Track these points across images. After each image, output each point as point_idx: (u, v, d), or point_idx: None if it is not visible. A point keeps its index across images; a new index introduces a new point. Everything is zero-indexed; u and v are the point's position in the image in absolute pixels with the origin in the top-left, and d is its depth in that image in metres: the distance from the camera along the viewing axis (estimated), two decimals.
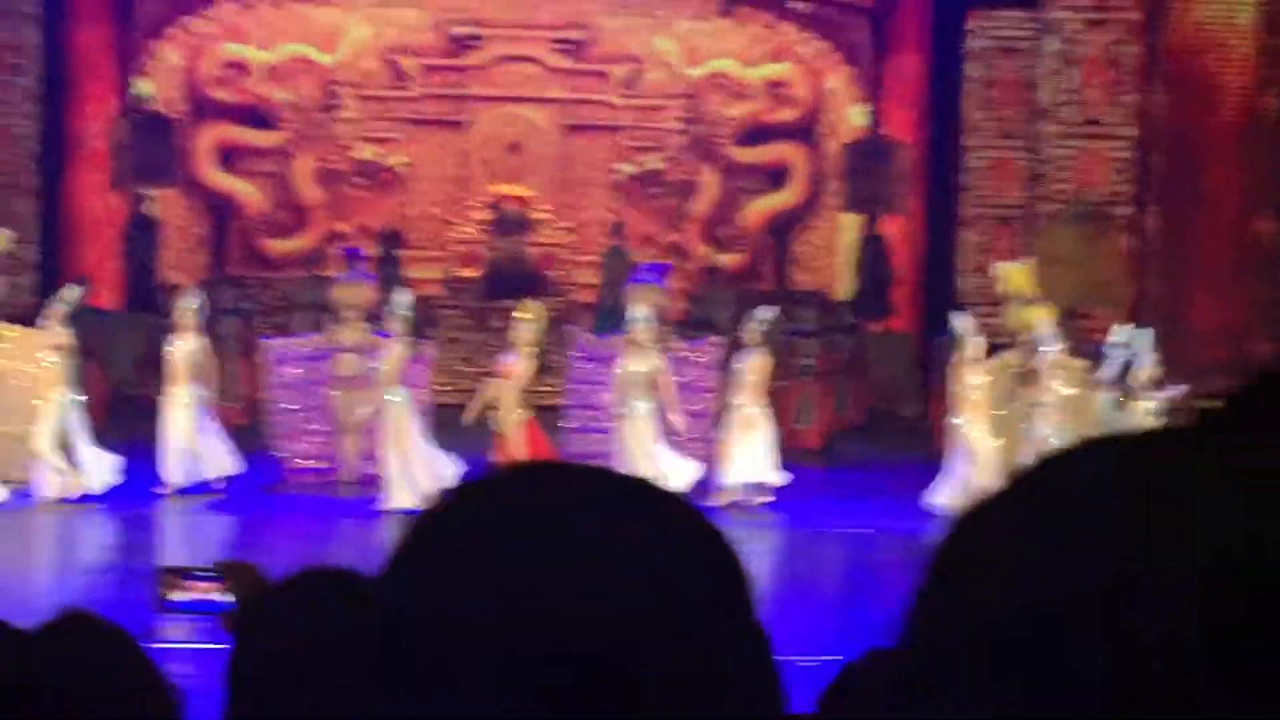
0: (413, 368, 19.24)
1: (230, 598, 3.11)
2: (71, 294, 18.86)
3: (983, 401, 18.57)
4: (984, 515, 1.06)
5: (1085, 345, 19.31)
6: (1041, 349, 18.15)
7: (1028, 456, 17.46)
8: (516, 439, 17.08)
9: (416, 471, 17.96)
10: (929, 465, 20.14)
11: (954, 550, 1.06)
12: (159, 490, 18.34)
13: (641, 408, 18.27)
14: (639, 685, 1.19)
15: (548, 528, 1.22)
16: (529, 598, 1.19)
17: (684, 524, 1.29)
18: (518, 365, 17.49)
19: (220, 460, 18.67)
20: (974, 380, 18.54)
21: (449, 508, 1.28)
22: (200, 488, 18.46)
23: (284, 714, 2.55)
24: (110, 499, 18.03)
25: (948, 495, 18.14)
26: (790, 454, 20.68)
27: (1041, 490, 1.04)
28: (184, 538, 16.81)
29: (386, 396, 18.20)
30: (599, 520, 1.24)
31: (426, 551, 1.27)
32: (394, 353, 18.31)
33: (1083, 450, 1.05)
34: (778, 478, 18.71)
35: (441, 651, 1.21)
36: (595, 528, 1.24)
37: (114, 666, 2.80)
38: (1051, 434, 17.71)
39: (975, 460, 18.30)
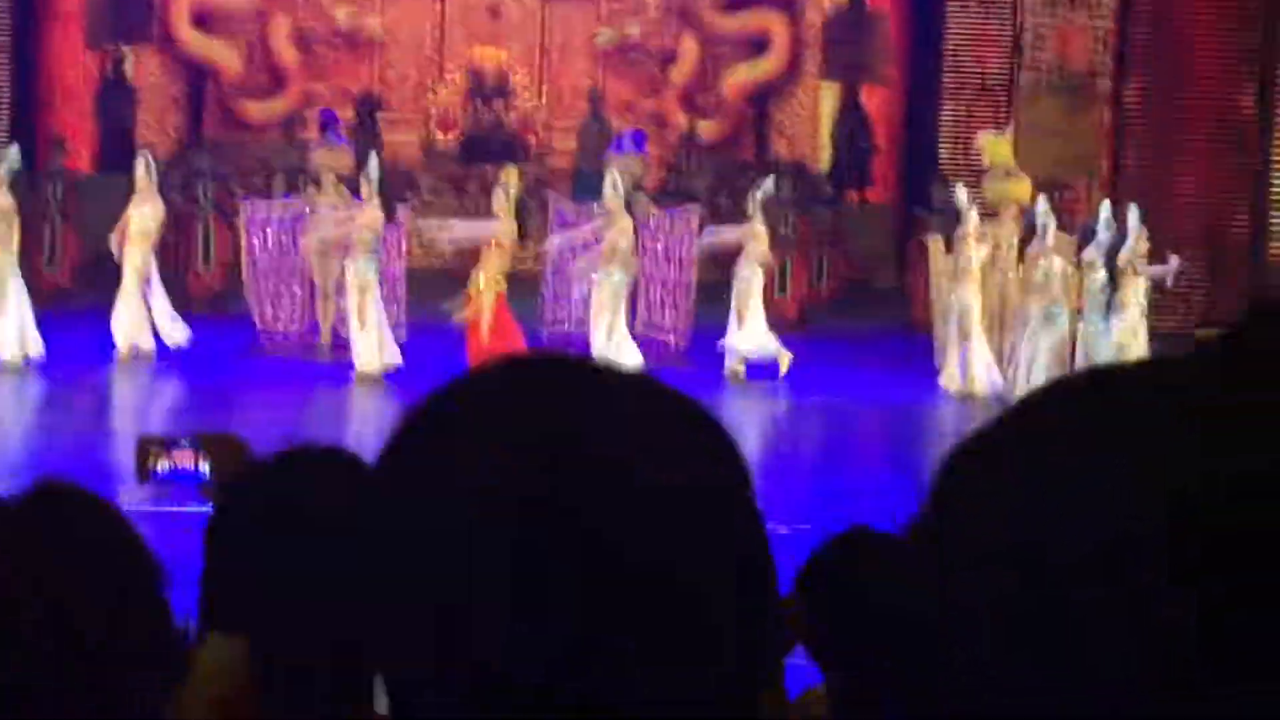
0: (388, 233, 19.22)
1: (211, 468, 3.12)
2: (12, 156, 18.66)
3: (978, 276, 18.59)
4: (978, 459, 1.05)
5: (1067, 220, 19.30)
6: (1038, 224, 18.05)
7: (1024, 335, 17.54)
8: (486, 307, 17.00)
9: (385, 336, 18.00)
10: (905, 336, 20.23)
11: (948, 497, 1.06)
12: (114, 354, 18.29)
13: (616, 277, 18.25)
14: (667, 583, 1.19)
15: (557, 420, 1.22)
16: (541, 487, 1.19)
17: (689, 419, 1.29)
18: (501, 230, 17.40)
19: (169, 330, 18.58)
20: (975, 254, 18.50)
21: (450, 394, 1.28)
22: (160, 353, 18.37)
23: (263, 584, 2.56)
24: (68, 362, 17.99)
25: (953, 376, 18.28)
26: (768, 324, 20.72)
27: (1036, 436, 1.03)
28: (154, 403, 16.81)
29: (356, 261, 18.17)
30: (610, 416, 1.24)
31: (426, 438, 1.27)
32: (364, 217, 18.25)
33: (1073, 389, 1.04)
34: (784, 357, 18.79)
35: (447, 531, 1.20)
36: (606, 423, 1.24)
37: (94, 536, 2.80)
38: (1050, 312, 17.78)
39: (972, 337, 18.34)
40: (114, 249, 18.80)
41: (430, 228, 19.36)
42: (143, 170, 18.89)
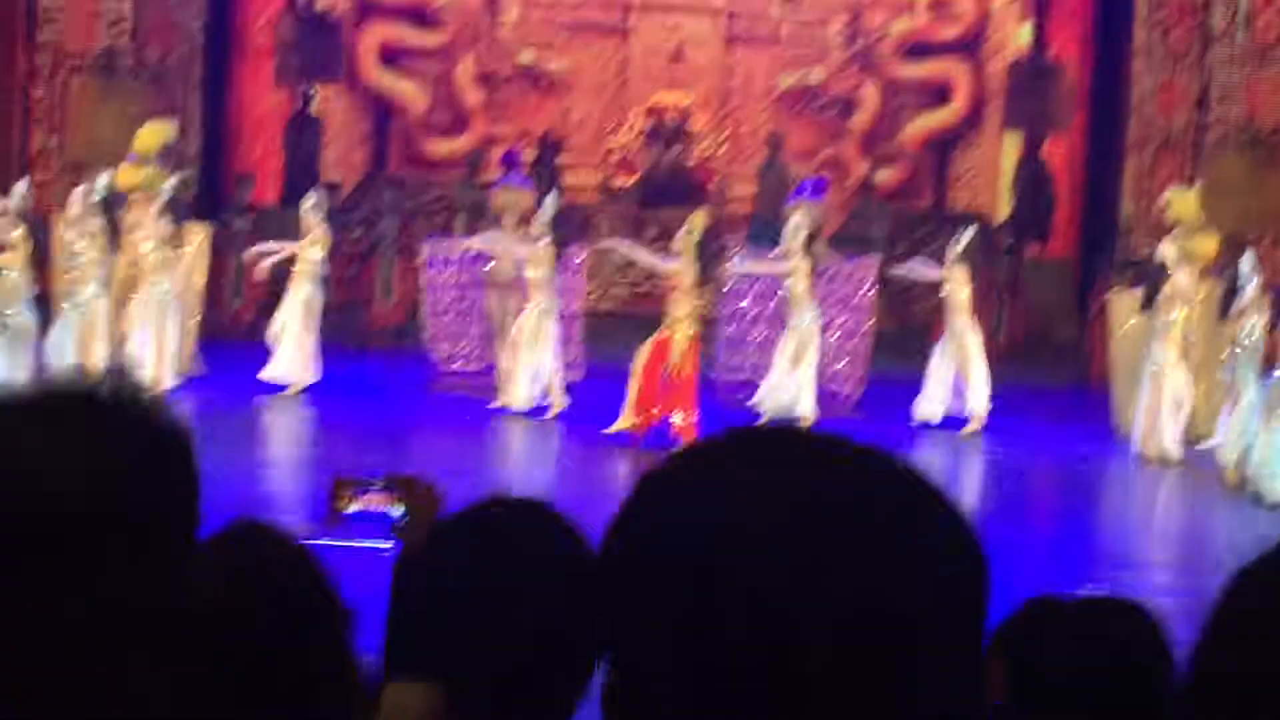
0: (565, 274, 19.33)
1: (402, 510, 3.15)
2: (102, 181, 19.00)
3: (1179, 337, 18.21)
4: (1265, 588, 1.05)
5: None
6: (1242, 283, 17.57)
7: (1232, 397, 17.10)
8: (680, 350, 16.94)
9: (534, 377, 18.06)
10: (1082, 392, 20.00)
11: (1233, 618, 1.06)
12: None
13: (805, 319, 18.21)
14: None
15: (779, 499, 1.23)
16: (762, 566, 1.20)
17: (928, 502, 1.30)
18: (680, 271, 17.38)
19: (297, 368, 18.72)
20: (1179, 314, 17.99)
21: (682, 469, 1.29)
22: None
23: (453, 630, 2.58)
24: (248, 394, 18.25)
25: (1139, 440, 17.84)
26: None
27: None
28: (335, 438, 16.98)
29: (530, 301, 18.27)
30: (826, 491, 1.25)
31: (660, 513, 1.28)
32: (536, 257, 18.36)
33: None
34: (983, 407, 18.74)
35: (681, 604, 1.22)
36: (823, 498, 1.25)
37: (286, 578, 2.84)
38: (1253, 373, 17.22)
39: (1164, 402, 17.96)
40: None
41: (618, 245, 19.47)
42: (309, 207, 19.17)
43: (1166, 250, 18.77)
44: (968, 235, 19.51)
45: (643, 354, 16.98)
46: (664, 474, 1.31)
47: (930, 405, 18.85)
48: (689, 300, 17.16)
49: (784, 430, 1.33)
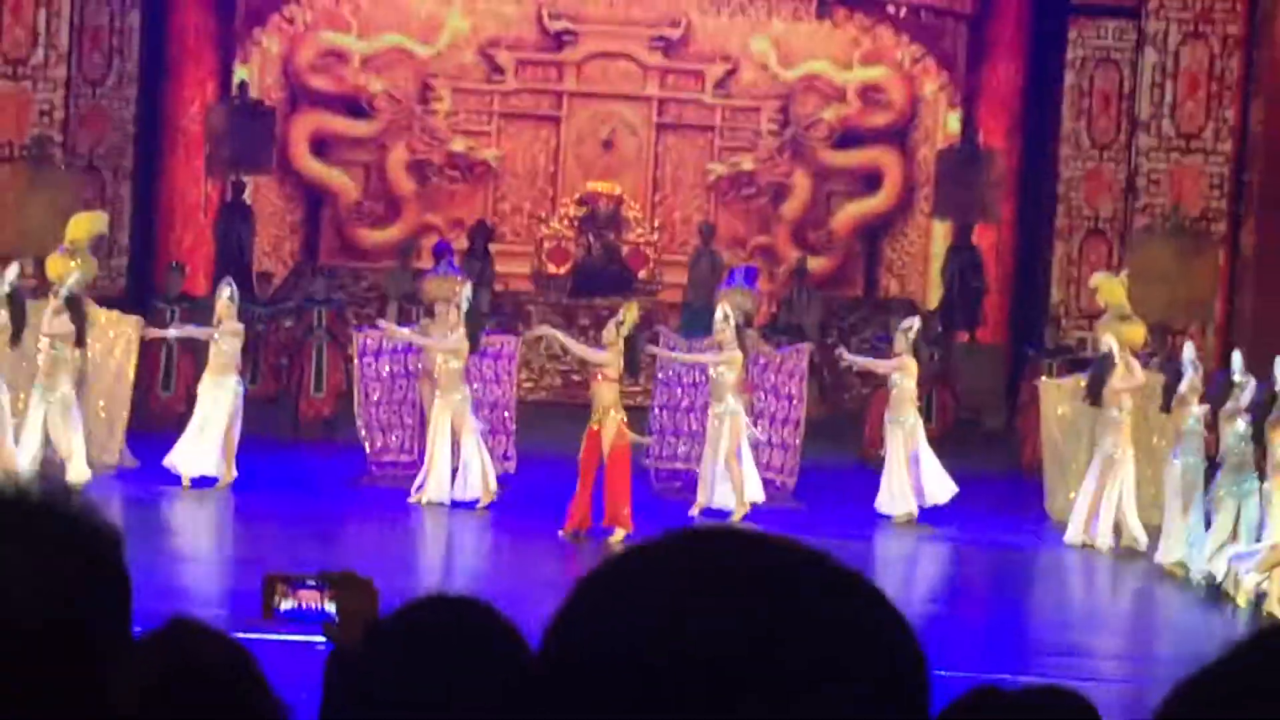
0: (498, 362, 19.31)
1: (336, 608, 3.13)
2: (11, 273, 18.71)
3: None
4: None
5: (1169, 365, 19.05)
6: (1185, 372, 17.57)
7: (1174, 485, 17.01)
8: (609, 441, 16.93)
9: (457, 468, 18.01)
10: (1013, 478, 20.08)
11: None
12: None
13: (730, 408, 18.21)
14: None
15: (720, 600, 1.23)
16: (703, 665, 1.20)
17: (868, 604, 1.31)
18: (607, 360, 17.38)
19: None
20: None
21: (622, 572, 1.29)
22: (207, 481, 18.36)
23: None
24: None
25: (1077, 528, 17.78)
26: (875, 462, 20.68)
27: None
28: (265, 531, 16.87)
29: (444, 393, 18.21)
30: (769, 591, 1.26)
31: (598, 614, 1.28)
32: (448, 347, 18.32)
33: None
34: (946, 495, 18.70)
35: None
36: (765, 599, 1.25)
37: (223, 677, 2.82)
38: (1195, 462, 17.17)
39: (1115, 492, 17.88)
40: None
41: (549, 332, 19.44)
42: (225, 298, 18.96)
43: (1105, 337, 18.78)
44: (914, 325, 19.51)
45: (584, 451, 16.95)
46: (603, 574, 1.31)
47: (896, 501, 18.69)
48: (614, 389, 17.15)
49: (719, 530, 1.33)
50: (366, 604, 3.10)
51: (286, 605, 3.22)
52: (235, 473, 18.40)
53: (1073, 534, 17.95)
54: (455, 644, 2.51)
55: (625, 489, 16.76)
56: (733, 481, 18.05)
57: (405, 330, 19.36)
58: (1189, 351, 17.92)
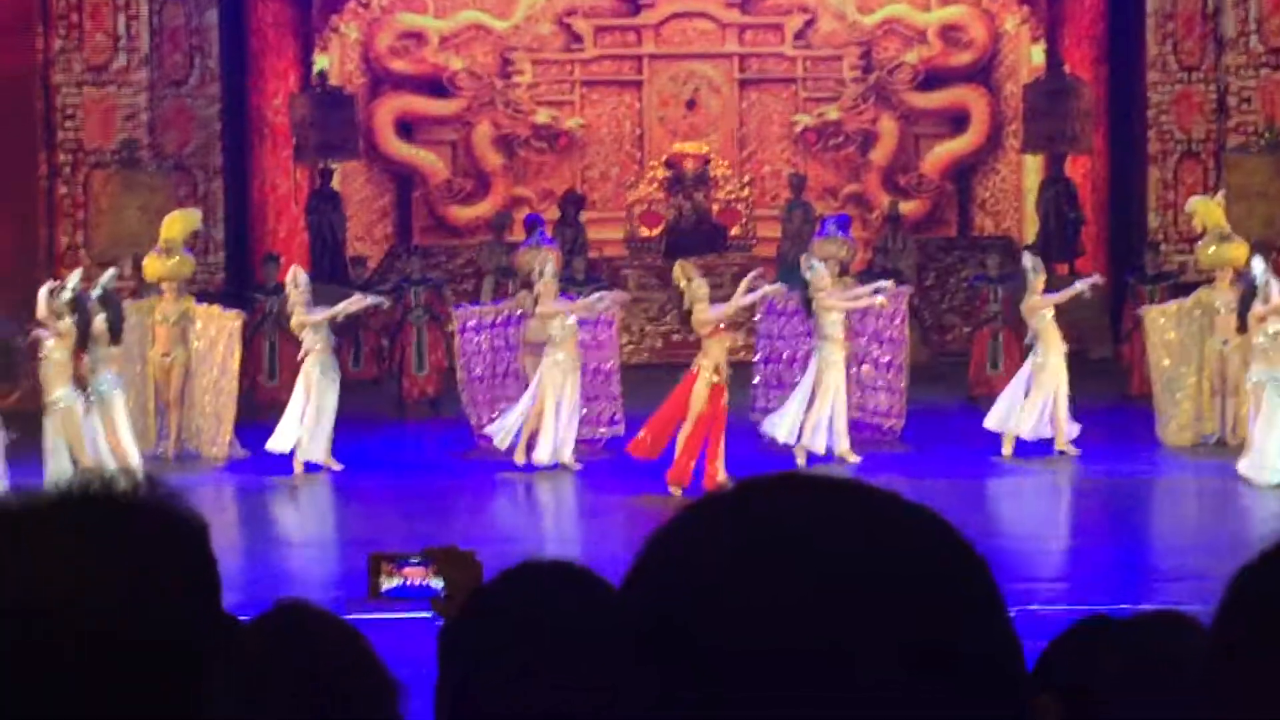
0: (598, 328, 19.32)
1: (442, 583, 3.14)
2: (107, 276, 18.63)
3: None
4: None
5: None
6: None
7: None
8: (699, 397, 16.94)
9: (563, 431, 18.07)
10: (1122, 406, 19.93)
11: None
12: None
13: (833, 356, 18.17)
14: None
15: (788, 551, 1.23)
16: (771, 618, 1.20)
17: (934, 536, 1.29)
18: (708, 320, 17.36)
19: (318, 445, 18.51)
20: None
21: (692, 523, 1.29)
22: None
23: (502, 704, 2.57)
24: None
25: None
26: (985, 400, 20.57)
27: None
28: (376, 510, 16.96)
29: (551, 357, 18.28)
30: (836, 541, 1.25)
31: (670, 568, 1.28)
32: (543, 314, 18.38)
33: None
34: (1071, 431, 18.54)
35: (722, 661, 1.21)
36: (833, 549, 1.24)
37: (334, 658, 2.84)
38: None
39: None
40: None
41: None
42: (291, 285, 18.91)
43: (1255, 260, 18.19)
44: (1036, 268, 19.22)
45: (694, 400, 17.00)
46: (670, 530, 1.31)
47: (1036, 424, 18.54)
48: (717, 346, 17.19)
49: (792, 478, 1.32)
50: (471, 577, 3.11)
51: (392, 583, 3.24)
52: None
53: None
54: (551, 607, 2.51)
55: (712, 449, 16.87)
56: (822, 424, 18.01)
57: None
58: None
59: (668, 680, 1.23)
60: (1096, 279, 19.56)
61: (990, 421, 18.66)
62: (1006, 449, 18.46)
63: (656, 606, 1.25)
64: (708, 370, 17.04)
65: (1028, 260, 19.37)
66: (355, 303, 19.41)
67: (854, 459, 18.00)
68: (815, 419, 18.07)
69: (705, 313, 17.32)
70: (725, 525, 1.26)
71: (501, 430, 18.32)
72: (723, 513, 1.28)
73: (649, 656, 1.25)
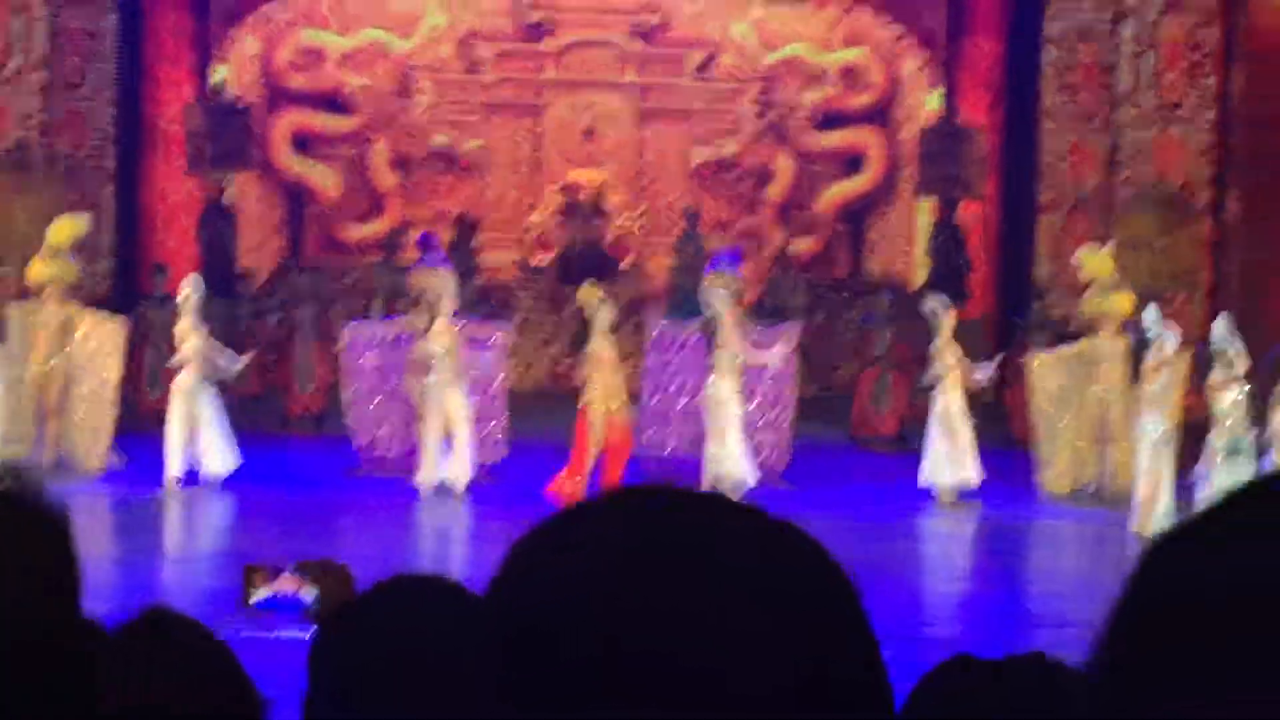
0: (486, 352, 19.29)
1: (315, 594, 3.11)
2: None
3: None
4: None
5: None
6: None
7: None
8: (598, 426, 16.99)
9: (437, 452, 18.06)
10: (1004, 451, 20.08)
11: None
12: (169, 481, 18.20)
13: (726, 390, 18.22)
14: (754, 700, 1.19)
15: (653, 557, 1.22)
16: (638, 624, 1.18)
17: (792, 547, 1.28)
18: (599, 348, 17.39)
19: (216, 455, 18.35)
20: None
21: (555, 530, 1.28)
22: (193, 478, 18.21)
23: (365, 712, 2.55)
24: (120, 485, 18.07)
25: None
26: (865, 441, 20.67)
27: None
28: (255, 525, 16.86)
29: (431, 377, 18.26)
30: (702, 549, 1.24)
31: (533, 575, 1.27)
32: (436, 334, 18.35)
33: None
34: (975, 476, 18.54)
35: (554, 672, 1.20)
36: (699, 556, 1.23)
37: (199, 667, 2.80)
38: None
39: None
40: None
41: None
42: (185, 295, 18.78)
43: (1149, 314, 18.27)
44: (944, 310, 19.29)
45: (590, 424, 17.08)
46: (533, 536, 1.30)
47: (944, 473, 18.55)
48: (606, 374, 17.22)
49: (657, 489, 1.31)
50: (344, 589, 3.09)
51: (264, 594, 3.20)
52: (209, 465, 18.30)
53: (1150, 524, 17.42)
54: (421, 620, 2.50)
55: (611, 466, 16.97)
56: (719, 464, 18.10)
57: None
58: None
59: (531, 689, 1.22)
60: (993, 373, 19.57)
61: (923, 479, 18.61)
62: (947, 498, 18.45)
63: (524, 612, 1.24)
64: (598, 403, 17.05)
65: (934, 303, 19.40)
66: (236, 361, 19.12)
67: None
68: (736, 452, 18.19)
69: (603, 340, 17.34)
70: (594, 531, 1.25)
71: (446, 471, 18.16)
72: (593, 519, 1.27)
73: (514, 663, 1.24)
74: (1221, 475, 15.94)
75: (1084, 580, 15.38)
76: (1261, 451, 15.96)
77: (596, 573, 1.22)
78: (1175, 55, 24.01)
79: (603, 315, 17.52)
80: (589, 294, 17.73)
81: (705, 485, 18.05)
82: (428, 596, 2.56)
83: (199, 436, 18.25)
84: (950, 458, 18.45)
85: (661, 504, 1.28)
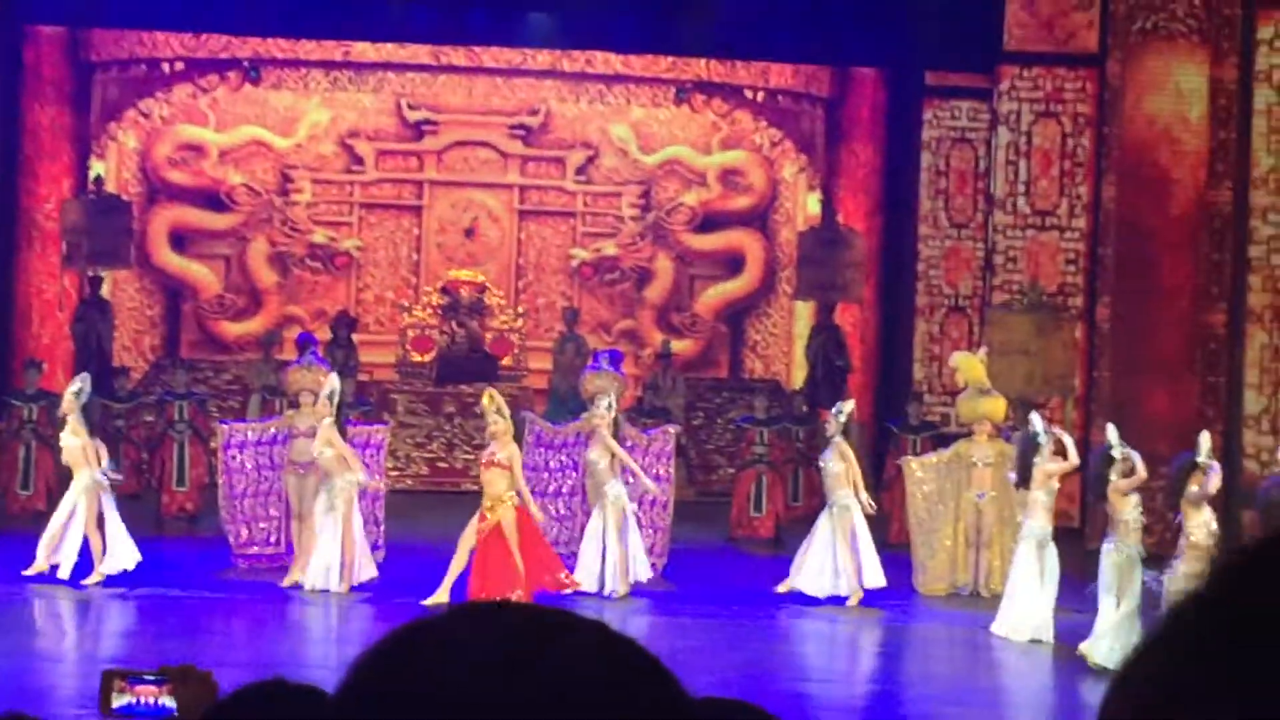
0: (366, 451, 19.18)
1: (176, 703, 3.08)
2: None
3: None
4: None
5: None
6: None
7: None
8: (509, 526, 16.90)
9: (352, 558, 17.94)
10: (881, 553, 20.14)
11: None
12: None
13: (613, 492, 18.23)
14: None
15: (496, 673, 1.23)
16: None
17: (630, 666, 1.30)
18: (502, 453, 17.30)
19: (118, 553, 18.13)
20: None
21: (403, 645, 1.29)
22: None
23: None
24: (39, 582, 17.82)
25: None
26: (745, 543, 20.69)
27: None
28: (120, 628, 16.64)
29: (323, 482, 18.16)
30: (544, 665, 1.25)
31: (382, 689, 1.27)
32: (321, 437, 18.22)
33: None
34: (879, 579, 18.49)
35: None
36: (540, 672, 1.24)
37: None
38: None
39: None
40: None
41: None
42: (77, 390, 18.55)
43: (1033, 416, 18.06)
44: (848, 408, 19.33)
45: (470, 535, 16.92)
46: (381, 649, 1.31)
47: (842, 580, 18.46)
48: (507, 476, 17.13)
49: (504, 606, 1.33)
50: (205, 697, 3.06)
51: (124, 701, 3.17)
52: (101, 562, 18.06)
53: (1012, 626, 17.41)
54: None
55: (550, 554, 16.91)
56: (619, 563, 18.09)
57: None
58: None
59: None
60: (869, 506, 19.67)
61: (841, 588, 18.53)
62: (854, 600, 18.43)
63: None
64: (503, 508, 16.92)
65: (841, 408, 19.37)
66: (113, 474, 18.90)
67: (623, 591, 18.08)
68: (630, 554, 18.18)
69: (505, 449, 17.22)
70: (442, 646, 1.27)
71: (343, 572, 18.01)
72: (441, 633, 1.29)
73: None
74: (1117, 580, 15.91)
75: (954, 684, 15.46)
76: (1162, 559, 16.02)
77: (446, 686, 1.23)
78: (1048, 163, 24.38)
79: (504, 425, 17.40)
80: (490, 402, 17.63)
81: (610, 582, 18.02)
82: (286, 703, 2.55)
83: (103, 534, 18.00)
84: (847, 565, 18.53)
85: (508, 621, 1.30)
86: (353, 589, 17.88)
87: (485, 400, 17.77)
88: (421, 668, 1.26)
